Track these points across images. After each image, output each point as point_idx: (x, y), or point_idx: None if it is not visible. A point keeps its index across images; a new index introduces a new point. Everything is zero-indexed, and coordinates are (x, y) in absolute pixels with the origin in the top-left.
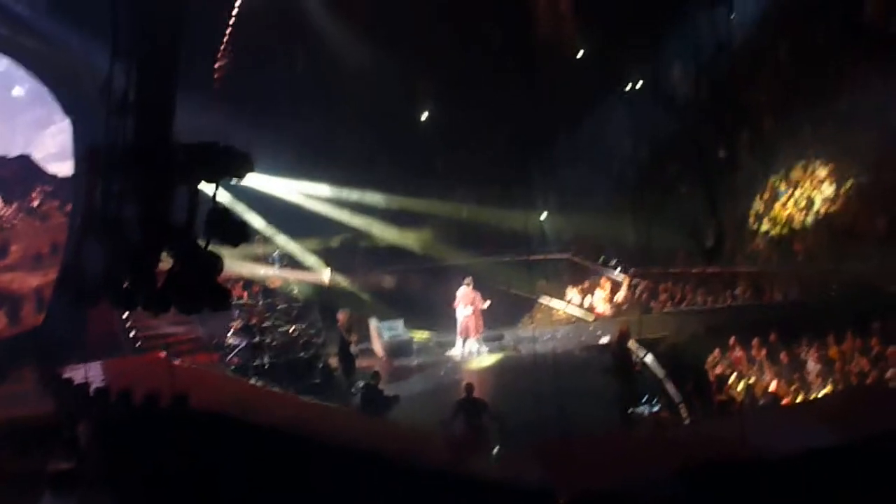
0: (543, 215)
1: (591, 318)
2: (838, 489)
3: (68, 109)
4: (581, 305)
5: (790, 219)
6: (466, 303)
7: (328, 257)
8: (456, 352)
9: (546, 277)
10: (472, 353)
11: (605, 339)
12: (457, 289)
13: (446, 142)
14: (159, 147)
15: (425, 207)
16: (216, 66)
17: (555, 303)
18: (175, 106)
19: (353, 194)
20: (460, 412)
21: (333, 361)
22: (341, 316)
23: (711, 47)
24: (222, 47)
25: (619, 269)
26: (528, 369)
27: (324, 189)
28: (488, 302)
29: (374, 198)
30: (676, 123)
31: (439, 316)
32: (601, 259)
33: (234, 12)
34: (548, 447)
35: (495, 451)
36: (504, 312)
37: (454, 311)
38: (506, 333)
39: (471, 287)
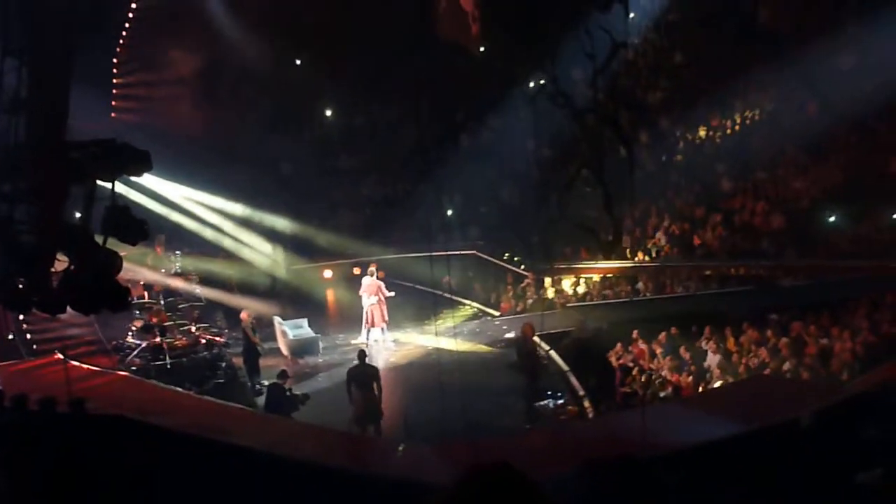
0: (449, 212)
1: (496, 313)
2: (738, 476)
3: None
4: (486, 301)
5: (690, 214)
6: (371, 292)
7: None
8: (360, 341)
9: (451, 273)
10: (377, 343)
11: (510, 335)
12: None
13: (353, 140)
14: (53, 145)
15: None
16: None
17: (460, 298)
18: (68, 104)
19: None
20: (352, 381)
21: (238, 361)
22: (244, 315)
23: (609, 48)
24: (119, 48)
25: (523, 265)
26: (432, 364)
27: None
28: (392, 292)
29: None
30: (577, 123)
31: (348, 312)
32: (506, 255)
33: (132, 10)
34: (452, 447)
35: (399, 448)
36: (409, 307)
37: (359, 300)
38: (411, 327)
39: (375, 277)
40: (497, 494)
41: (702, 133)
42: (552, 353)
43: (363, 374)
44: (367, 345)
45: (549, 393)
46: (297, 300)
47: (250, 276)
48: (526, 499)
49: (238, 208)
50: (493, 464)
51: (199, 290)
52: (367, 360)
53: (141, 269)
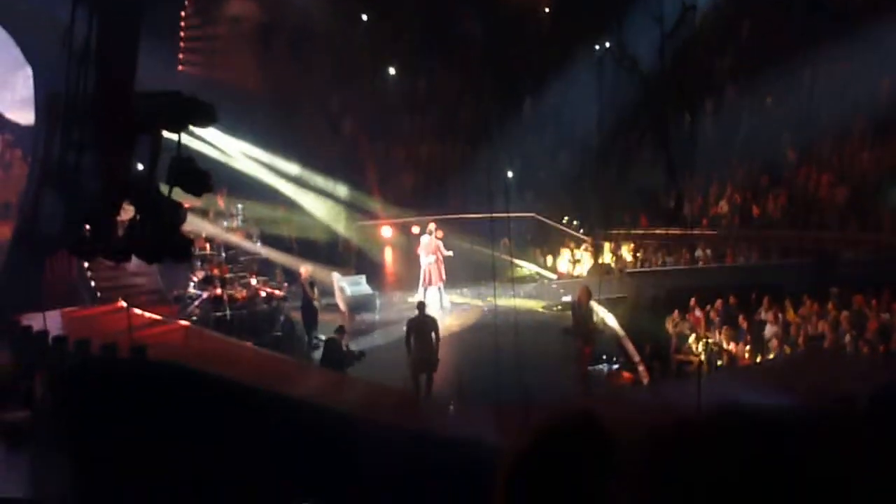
0: (509, 174)
1: (553, 276)
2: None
3: (29, 57)
4: (544, 265)
5: (753, 184)
6: (429, 251)
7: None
8: (418, 299)
9: (510, 236)
10: (435, 304)
11: (566, 298)
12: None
13: (413, 102)
14: (120, 96)
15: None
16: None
17: (518, 261)
18: (137, 55)
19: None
20: (412, 331)
21: (296, 315)
22: (303, 270)
23: (677, 12)
24: (186, 1)
25: (582, 230)
26: (487, 324)
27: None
28: (450, 252)
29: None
30: (642, 88)
31: (405, 271)
32: (565, 220)
33: None
34: (504, 409)
35: (451, 406)
36: (467, 267)
37: (418, 258)
38: (468, 288)
39: (433, 235)
40: (584, 442)
41: (768, 102)
42: (608, 318)
43: (422, 323)
44: (423, 302)
45: (604, 357)
46: (356, 257)
47: (310, 232)
48: (609, 450)
49: (295, 167)
50: (576, 412)
51: (260, 245)
52: (426, 310)
53: (203, 221)
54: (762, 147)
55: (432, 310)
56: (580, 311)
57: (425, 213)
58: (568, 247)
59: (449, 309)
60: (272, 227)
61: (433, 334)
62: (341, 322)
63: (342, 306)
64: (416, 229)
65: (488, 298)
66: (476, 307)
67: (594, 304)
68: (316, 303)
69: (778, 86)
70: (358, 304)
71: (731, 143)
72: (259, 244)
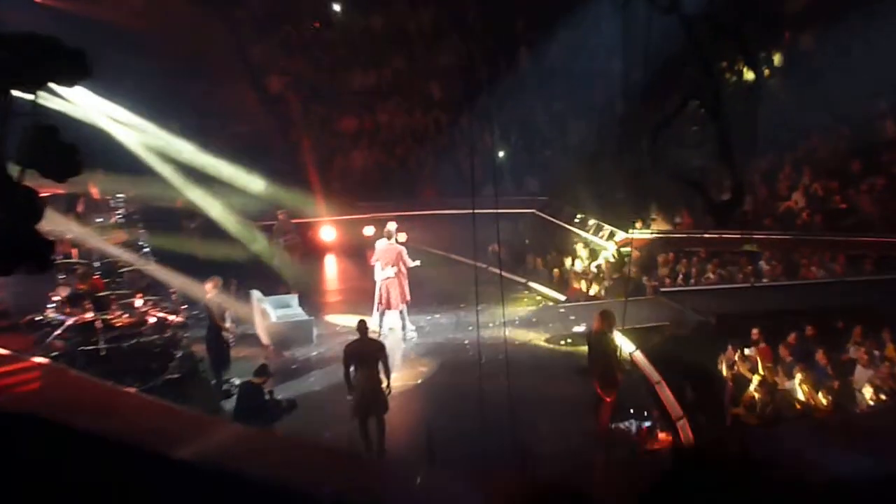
0: (500, 154)
1: (562, 297)
2: None
3: None
4: (548, 281)
5: (839, 168)
6: (388, 261)
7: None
8: (371, 328)
9: (500, 241)
10: (394, 331)
11: (579, 328)
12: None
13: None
14: None
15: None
16: None
17: (512, 276)
18: None
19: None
20: (351, 360)
21: (199, 350)
22: (210, 286)
23: None
24: None
25: (601, 231)
26: (469, 364)
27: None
28: (417, 261)
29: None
30: (685, 37)
31: (354, 287)
32: (578, 218)
33: None
34: (491, 478)
35: (418, 477)
36: (441, 284)
37: (371, 272)
38: (442, 314)
39: (394, 239)
40: None
41: (856, 56)
42: (637, 355)
43: (364, 350)
44: (379, 333)
45: (633, 411)
46: (285, 269)
47: (221, 235)
48: None
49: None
50: (559, 493)
51: (149, 252)
52: (368, 332)
53: (69, 217)
54: (850, 118)
55: (393, 342)
56: (598, 345)
57: (383, 208)
58: (581, 256)
59: (415, 341)
60: (166, 227)
61: (380, 364)
62: (263, 359)
63: (264, 337)
64: (369, 231)
65: (470, 328)
66: (454, 339)
67: (618, 336)
68: (228, 333)
69: (869, 34)
70: (287, 335)
71: (807, 113)
72: (147, 251)
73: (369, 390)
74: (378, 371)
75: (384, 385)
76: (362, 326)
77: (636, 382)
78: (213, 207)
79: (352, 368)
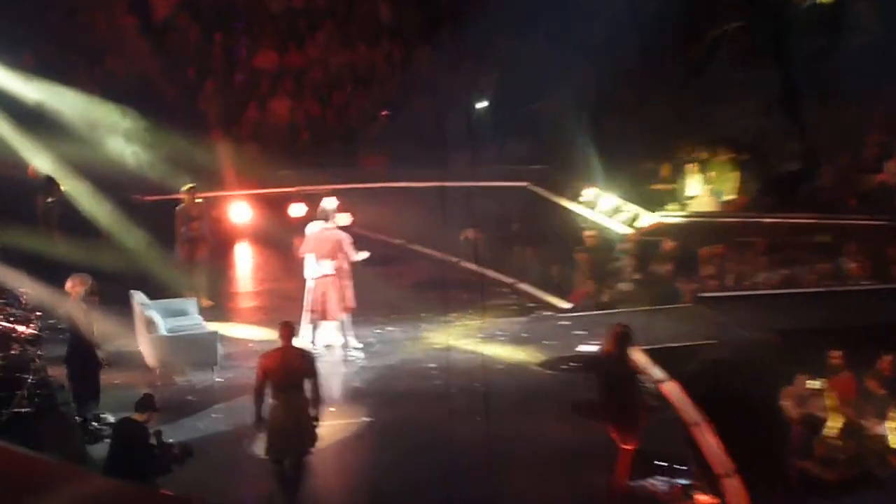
0: (478, 106)
1: (564, 304)
2: None
3: None
4: (544, 280)
5: None
6: (323, 252)
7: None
8: (301, 343)
9: (477, 224)
10: (331, 349)
11: (587, 348)
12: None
13: None
14: None
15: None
16: None
17: (493, 272)
18: None
19: None
20: (267, 375)
21: (58, 373)
22: (73, 286)
23: None
24: None
25: (620, 213)
26: (433, 394)
27: None
28: (364, 253)
29: None
30: None
31: (275, 289)
32: (586, 194)
33: None
34: None
35: None
36: (398, 286)
37: (300, 267)
38: (397, 326)
39: (331, 220)
40: None
41: None
42: (668, 385)
43: (287, 364)
44: (310, 349)
45: (661, 464)
46: (184, 265)
47: (85, 216)
48: None
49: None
50: None
51: None
52: (293, 339)
53: None
54: None
55: (329, 364)
56: (613, 371)
57: (315, 178)
58: (589, 246)
59: (360, 363)
60: (11, 204)
61: (309, 383)
62: (147, 388)
63: (150, 357)
64: (297, 210)
65: (436, 345)
66: (413, 361)
67: (639, 358)
68: (99, 351)
69: None
70: (181, 354)
71: None
72: None
73: (290, 420)
74: (303, 393)
75: (312, 414)
76: (286, 331)
77: (666, 424)
78: (76, 179)
79: (267, 390)
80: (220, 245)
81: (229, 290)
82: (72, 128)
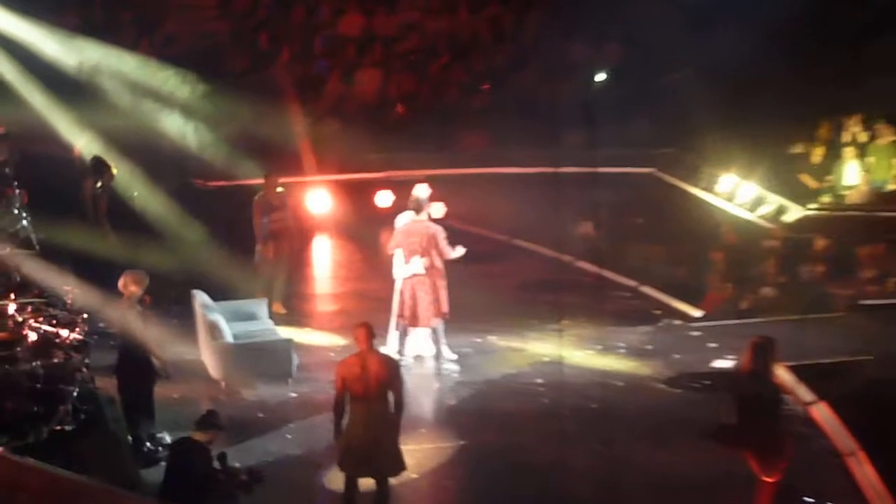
0: (597, 79)
1: (695, 311)
2: None
3: None
4: (672, 283)
5: None
6: (414, 248)
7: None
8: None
9: (595, 216)
10: (421, 360)
11: (722, 363)
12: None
13: None
14: None
15: None
16: None
17: (616, 274)
18: None
19: None
20: (346, 386)
21: (106, 385)
22: (129, 285)
23: None
24: None
25: (764, 205)
26: (543, 417)
27: None
28: (461, 249)
29: None
30: None
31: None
32: (723, 183)
33: None
34: None
35: None
36: (501, 289)
37: (388, 265)
38: (500, 335)
39: (425, 214)
40: None
41: None
42: (819, 409)
43: (368, 371)
44: (398, 359)
45: (809, 500)
46: (239, 257)
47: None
48: None
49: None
50: None
51: (29, 226)
52: (372, 342)
53: None
54: None
55: (418, 377)
56: (753, 391)
57: (406, 163)
58: (727, 244)
59: (456, 377)
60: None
61: (391, 395)
62: (210, 403)
63: (213, 368)
64: (384, 199)
65: (545, 358)
66: (518, 376)
67: (784, 376)
68: (155, 360)
69: None
70: (251, 364)
71: None
72: (27, 226)
73: (369, 435)
74: (387, 406)
75: (391, 427)
76: (363, 334)
77: (816, 454)
78: (128, 160)
79: (344, 401)
80: (300, 239)
81: (306, 291)
82: (122, 100)
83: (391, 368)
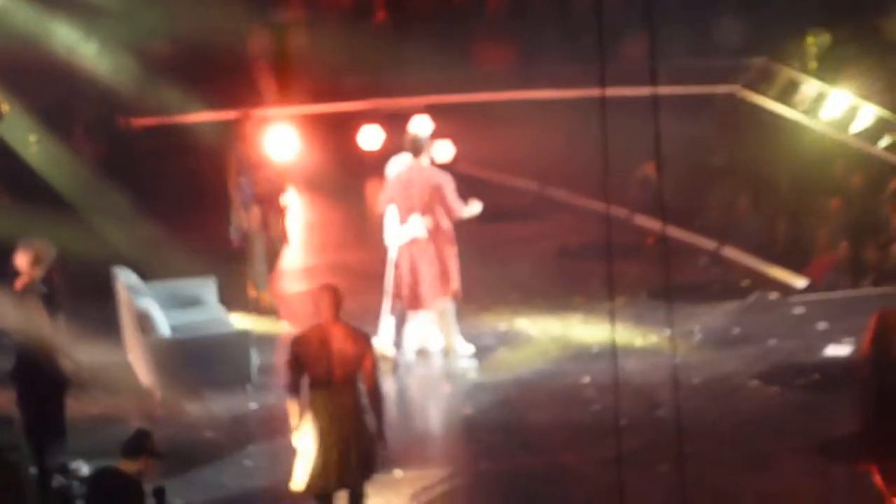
0: None
1: (797, 281)
2: None
3: None
4: (765, 244)
5: None
6: (412, 204)
7: None
8: (380, 351)
9: (661, 155)
10: (429, 360)
11: (837, 350)
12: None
13: None
14: None
15: None
16: None
17: (687, 233)
18: None
19: None
20: (303, 366)
21: (1, 401)
22: (27, 260)
23: None
24: None
25: (880, 128)
26: (592, 429)
27: None
28: (476, 204)
29: None
30: None
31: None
32: (831, 104)
33: None
34: None
35: None
36: (532, 257)
37: (378, 228)
38: (532, 318)
39: (425, 157)
40: None
41: None
42: None
43: (327, 346)
44: (393, 354)
45: None
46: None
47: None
48: None
49: None
50: None
51: None
52: (338, 311)
53: None
54: None
55: (420, 378)
56: (880, 383)
57: (398, 84)
58: (842, 189)
59: (472, 376)
60: None
61: (364, 378)
62: (140, 421)
63: (145, 371)
64: (370, 137)
65: (594, 348)
66: (556, 374)
67: None
68: (67, 365)
69: None
70: (193, 364)
71: None
72: None
73: (335, 433)
74: (355, 392)
75: (370, 427)
76: (327, 298)
77: None
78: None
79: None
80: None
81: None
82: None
83: (361, 343)
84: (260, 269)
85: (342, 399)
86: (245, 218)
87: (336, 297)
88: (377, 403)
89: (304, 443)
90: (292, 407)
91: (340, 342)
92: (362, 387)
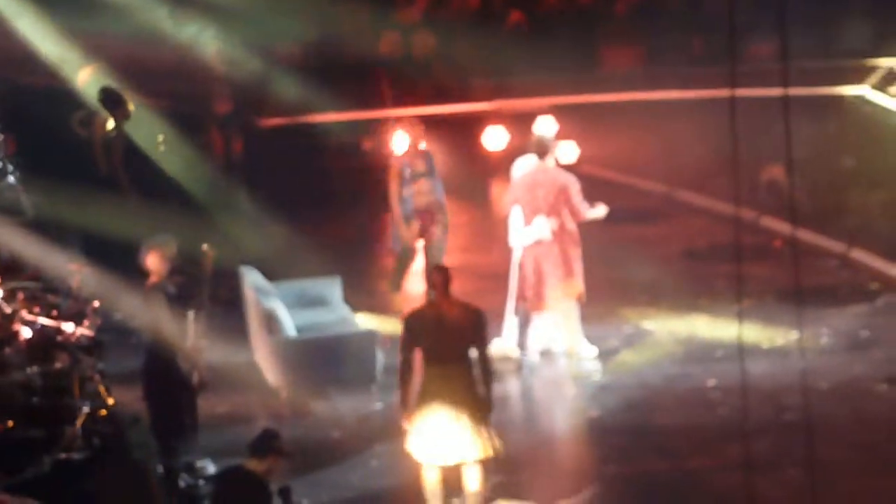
0: None
1: None
2: None
3: None
4: None
5: None
6: (537, 206)
7: None
8: (500, 347)
9: (790, 157)
10: (553, 362)
11: None
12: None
13: None
14: None
15: None
16: None
17: (817, 236)
18: None
19: None
20: (417, 341)
21: (127, 398)
22: (154, 258)
23: None
24: None
25: None
26: (720, 436)
27: None
28: (603, 207)
29: None
30: None
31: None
32: None
33: None
34: None
35: None
36: (657, 259)
37: (503, 229)
38: (658, 321)
39: (551, 158)
40: None
41: None
42: None
43: (442, 324)
44: (517, 355)
45: None
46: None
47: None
48: None
49: None
50: None
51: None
52: (448, 288)
53: None
54: None
55: (544, 382)
56: None
57: (525, 85)
58: None
59: (597, 379)
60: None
61: (476, 350)
62: (266, 420)
63: (271, 372)
64: (495, 138)
65: (717, 350)
66: (682, 377)
67: None
68: (192, 363)
69: None
70: (320, 364)
71: None
72: (15, 182)
73: (451, 408)
74: (470, 368)
75: (481, 393)
76: (439, 278)
77: None
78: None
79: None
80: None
81: (390, 265)
82: (140, 13)
83: (473, 316)
84: (401, 274)
85: (455, 371)
86: (406, 230)
87: (446, 275)
88: (487, 376)
89: (419, 417)
90: (404, 384)
91: (453, 316)
92: (474, 356)
